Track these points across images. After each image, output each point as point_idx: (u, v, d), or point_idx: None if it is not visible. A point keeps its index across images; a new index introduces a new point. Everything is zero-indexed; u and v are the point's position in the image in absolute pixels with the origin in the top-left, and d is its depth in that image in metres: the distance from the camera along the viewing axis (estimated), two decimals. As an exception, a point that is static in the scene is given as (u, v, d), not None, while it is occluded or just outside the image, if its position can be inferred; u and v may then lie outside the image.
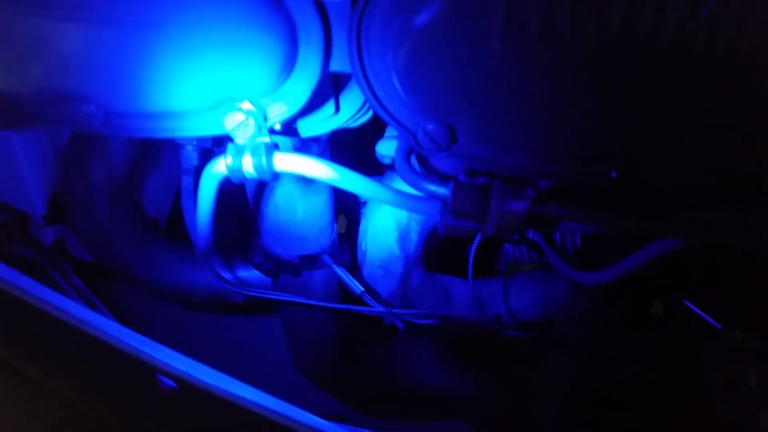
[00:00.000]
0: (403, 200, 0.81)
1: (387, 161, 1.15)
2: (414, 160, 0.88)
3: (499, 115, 0.71)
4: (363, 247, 1.33)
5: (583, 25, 0.61)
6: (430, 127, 0.76)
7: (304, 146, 1.08)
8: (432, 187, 0.82)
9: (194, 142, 1.20)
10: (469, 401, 1.59)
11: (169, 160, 1.49)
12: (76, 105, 0.82)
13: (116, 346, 0.82)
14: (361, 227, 1.33)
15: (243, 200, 1.28)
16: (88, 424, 0.93)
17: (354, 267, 1.41)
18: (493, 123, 0.72)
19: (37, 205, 1.38)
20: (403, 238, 1.28)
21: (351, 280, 1.29)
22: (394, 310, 1.23)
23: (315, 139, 1.07)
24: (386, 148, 1.06)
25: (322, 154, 1.13)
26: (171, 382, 0.79)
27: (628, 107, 0.68)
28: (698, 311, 1.15)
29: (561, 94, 0.67)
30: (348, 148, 1.17)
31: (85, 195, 1.37)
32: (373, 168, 1.22)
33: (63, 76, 0.77)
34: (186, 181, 1.22)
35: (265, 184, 1.16)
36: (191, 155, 1.22)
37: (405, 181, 0.85)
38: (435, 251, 1.50)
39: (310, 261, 1.32)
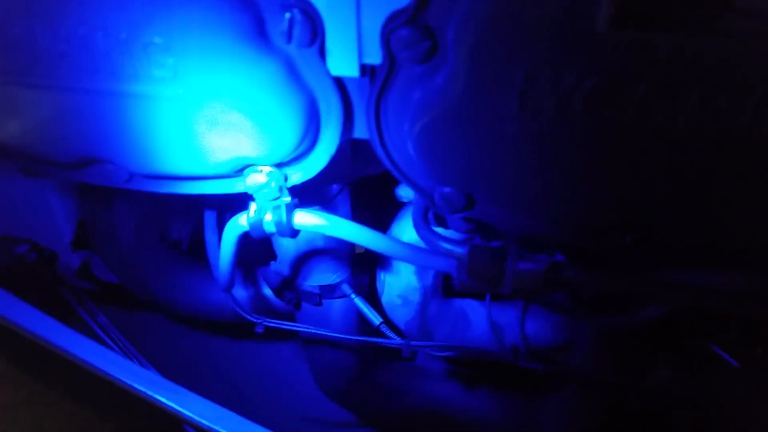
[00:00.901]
0: (419, 257, 0.83)
1: (405, 200, 1.16)
2: (431, 215, 0.90)
3: (513, 188, 0.72)
4: (382, 278, 1.35)
5: (597, 112, 0.62)
6: (447, 190, 0.77)
7: (323, 190, 1.10)
8: (448, 246, 0.83)
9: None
10: (484, 423, 1.61)
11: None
12: (101, 166, 0.85)
13: (144, 397, 0.85)
14: (381, 257, 1.34)
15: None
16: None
17: (373, 292, 1.43)
18: (508, 193, 0.74)
19: (64, 231, 1.42)
20: (421, 269, 1.29)
21: (370, 310, 1.31)
22: (412, 342, 1.25)
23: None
24: (406, 191, 1.07)
25: (341, 195, 1.15)
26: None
27: (641, 183, 0.68)
28: (717, 349, 1.15)
29: (574, 171, 0.68)
30: (366, 186, 1.18)
31: (111, 224, 1.40)
32: (391, 203, 1.24)
33: (90, 141, 0.80)
34: (208, 216, 1.25)
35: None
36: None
37: (422, 239, 0.86)
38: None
39: (330, 290, 1.35)
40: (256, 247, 1.57)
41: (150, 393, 0.83)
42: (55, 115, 0.77)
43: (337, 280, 1.34)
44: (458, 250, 0.83)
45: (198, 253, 1.59)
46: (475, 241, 0.81)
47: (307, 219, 0.83)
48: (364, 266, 1.43)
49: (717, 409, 1.17)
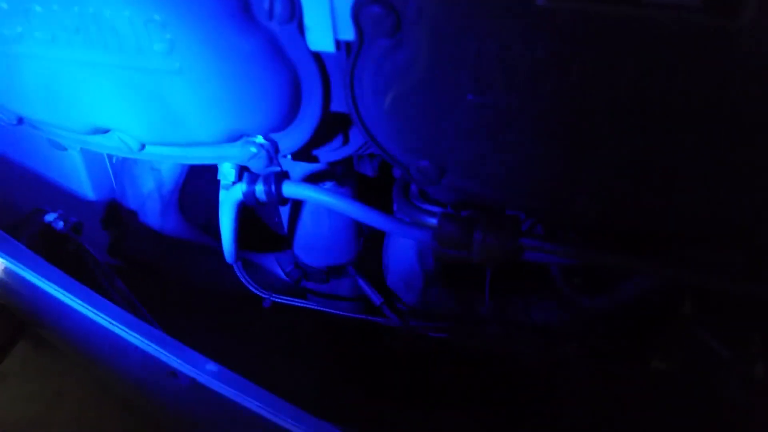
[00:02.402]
0: (397, 227, 0.89)
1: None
2: (414, 189, 0.95)
3: (478, 160, 0.77)
4: (386, 261, 1.41)
5: (543, 83, 0.66)
6: (423, 163, 0.83)
7: (330, 168, 1.17)
8: (423, 218, 0.89)
9: (232, 161, 1.31)
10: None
11: (211, 171, 1.61)
12: (115, 135, 0.94)
13: (141, 346, 0.93)
14: (385, 242, 1.40)
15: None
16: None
17: (380, 275, 1.49)
18: (473, 165, 0.79)
19: (97, 210, 1.54)
20: (422, 254, 1.34)
21: (372, 291, 1.37)
22: (410, 322, 1.30)
23: (337, 164, 1.16)
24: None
25: (344, 176, 1.22)
26: (185, 380, 0.89)
27: (592, 151, 0.72)
28: (710, 339, 1.16)
29: (529, 142, 0.72)
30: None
31: (138, 203, 1.51)
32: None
33: (105, 112, 0.89)
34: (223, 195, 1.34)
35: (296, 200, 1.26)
36: (229, 172, 1.33)
37: (399, 211, 0.92)
38: (458, 264, 1.56)
39: (337, 271, 1.42)
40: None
41: (149, 340, 0.91)
42: (72, 86, 0.87)
43: (344, 261, 1.40)
44: (432, 221, 0.88)
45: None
46: (447, 211, 0.86)
47: (294, 188, 0.90)
48: (371, 250, 1.50)
49: (710, 399, 1.17)
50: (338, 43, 0.75)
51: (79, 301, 0.92)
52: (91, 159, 1.44)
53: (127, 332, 0.96)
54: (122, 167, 1.46)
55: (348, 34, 0.73)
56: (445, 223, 0.83)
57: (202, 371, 0.87)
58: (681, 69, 0.61)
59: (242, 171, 1.36)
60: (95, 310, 0.94)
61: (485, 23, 0.65)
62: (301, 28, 0.74)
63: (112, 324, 0.93)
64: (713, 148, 0.67)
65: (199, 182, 1.58)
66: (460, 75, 0.69)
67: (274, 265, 1.49)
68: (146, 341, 0.96)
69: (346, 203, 0.87)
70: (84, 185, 1.48)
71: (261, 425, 0.87)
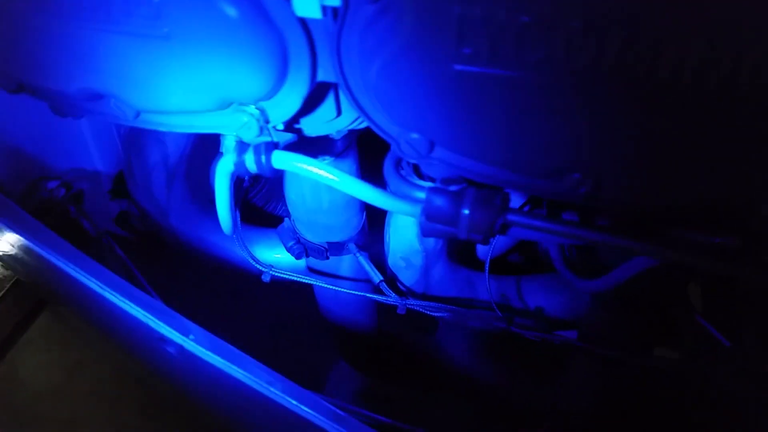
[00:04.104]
0: (387, 201, 0.87)
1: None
2: (405, 164, 0.94)
3: (466, 129, 0.76)
4: (387, 239, 1.40)
5: (529, 50, 0.64)
6: (413, 136, 0.81)
7: (329, 144, 1.16)
8: (412, 192, 0.87)
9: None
10: (495, 389, 1.63)
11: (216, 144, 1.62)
12: (111, 102, 0.94)
13: (132, 312, 0.94)
14: (386, 220, 1.39)
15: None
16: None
17: (381, 254, 1.48)
18: (463, 135, 0.77)
19: (104, 181, 1.56)
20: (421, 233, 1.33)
21: (372, 268, 1.37)
22: (408, 301, 1.29)
23: (338, 138, 1.15)
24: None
25: (346, 151, 1.21)
26: (173, 348, 0.90)
27: (579, 123, 0.70)
28: (709, 327, 1.14)
29: (515, 113, 0.70)
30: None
31: (144, 174, 1.52)
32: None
33: (98, 77, 0.89)
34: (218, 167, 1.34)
35: (295, 174, 1.25)
36: (230, 143, 1.33)
37: (389, 184, 0.91)
38: (463, 245, 1.55)
39: (337, 248, 1.41)
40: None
41: (138, 306, 0.92)
42: (67, 51, 0.87)
43: (344, 238, 1.40)
44: (421, 194, 0.87)
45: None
46: (436, 185, 0.85)
47: (284, 159, 0.89)
48: (373, 228, 1.49)
49: (704, 389, 1.15)
50: (324, 9, 0.73)
51: (90, 277, 0.93)
52: (99, 130, 1.46)
53: (120, 299, 0.97)
54: (129, 138, 1.47)
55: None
56: (433, 197, 0.82)
57: (189, 338, 0.87)
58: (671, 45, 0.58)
59: (242, 143, 1.37)
60: (100, 283, 0.95)
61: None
62: (287, -7, 0.73)
63: (109, 293, 0.94)
64: (721, 128, 0.65)
65: (207, 155, 1.59)
66: (445, 42, 0.67)
67: (275, 240, 1.49)
68: (138, 308, 0.97)
69: (335, 175, 0.86)
70: (93, 156, 1.49)
71: (246, 394, 0.88)
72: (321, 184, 1.28)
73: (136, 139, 1.45)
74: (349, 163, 1.24)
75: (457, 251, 1.53)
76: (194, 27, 0.77)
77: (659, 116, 0.66)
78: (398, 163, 0.94)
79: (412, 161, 0.87)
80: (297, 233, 1.42)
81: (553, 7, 0.61)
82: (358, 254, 1.39)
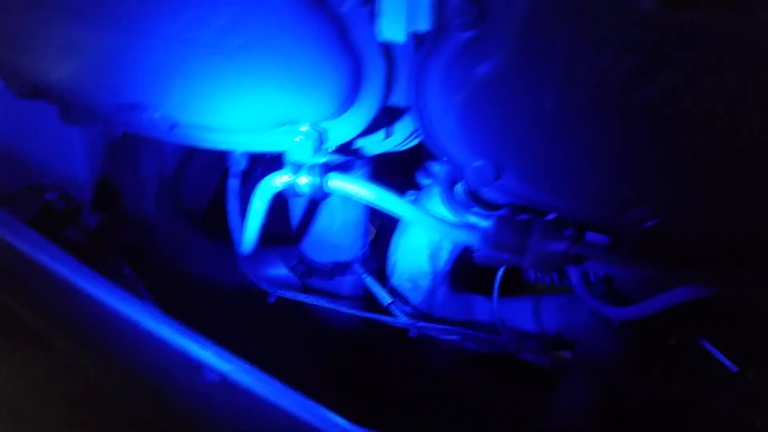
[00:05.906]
0: (444, 228, 0.86)
1: (424, 184, 1.20)
2: (460, 188, 0.93)
3: (546, 162, 0.75)
4: (393, 260, 1.38)
5: (635, 90, 0.65)
6: (479, 163, 0.80)
7: (348, 162, 1.12)
8: (474, 219, 0.86)
9: (244, 148, 1.25)
10: (483, 408, 1.63)
11: (211, 157, 1.54)
12: (146, 113, 0.88)
13: (162, 338, 0.88)
14: (394, 240, 1.37)
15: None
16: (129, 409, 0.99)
17: (382, 275, 1.46)
18: (540, 167, 0.77)
19: (86, 191, 1.45)
20: (434, 255, 1.32)
21: (380, 290, 1.34)
22: (419, 323, 1.27)
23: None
24: (430, 172, 1.10)
25: (364, 172, 1.18)
26: (215, 377, 0.84)
27: (672, 163, 0.71)
28: (715, 351, 1.18)
29: (606, 148, 0.71)
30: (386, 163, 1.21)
31: (136, 186, 1.43)
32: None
33: (137, 85, 0.83)
34: (232, 184, 1.28)
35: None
36: (240, 160, 1.27)
37: (449, 210, 0.89)
38: (462, 268, 1.54)
39: (342, 268, 1.38)
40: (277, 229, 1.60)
41: (171, 333, 0.86)
42: (103, 57, 0.80)
43: (350, 258, 1.37)
44: (484, 222, 0.86)
45: (210, 225, 1.62)
46: (502, 213, 0.84)
47: (343, 183, 0.86)
48: (377, 248, 1.46)
49: (707, 413, 1.19)
50: (409, 34, 0.71)
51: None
52: (87, 135, 1.36)
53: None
54: (122, 146, 1.38)
55: (423, 24, 0.70)
56: (503, 226, 0.81)
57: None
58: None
59: (254, 159, 1.31)
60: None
61: (582, 24, 0.63)
62: (372, 15, 0.70)
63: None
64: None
65: (201, 168, 1.52)
66: (546, 74, 0.67)
67: (277, 259, 1.44)
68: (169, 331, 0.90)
69: (399, 204, 0.83)
70: (78, 162, 1.39)
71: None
72: (336, 205, 1.25)
73: (131, 148, 1.36)
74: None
75: (457, 271, 1.53)
76: (272, 40, 0.73)
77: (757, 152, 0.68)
78: (452, 188, 0.92)
79: (473, 188, 0.86)
80: (300, 253, 1.38)
81: (667, 51, 0.62)
82: (365, 275, 1.36)
